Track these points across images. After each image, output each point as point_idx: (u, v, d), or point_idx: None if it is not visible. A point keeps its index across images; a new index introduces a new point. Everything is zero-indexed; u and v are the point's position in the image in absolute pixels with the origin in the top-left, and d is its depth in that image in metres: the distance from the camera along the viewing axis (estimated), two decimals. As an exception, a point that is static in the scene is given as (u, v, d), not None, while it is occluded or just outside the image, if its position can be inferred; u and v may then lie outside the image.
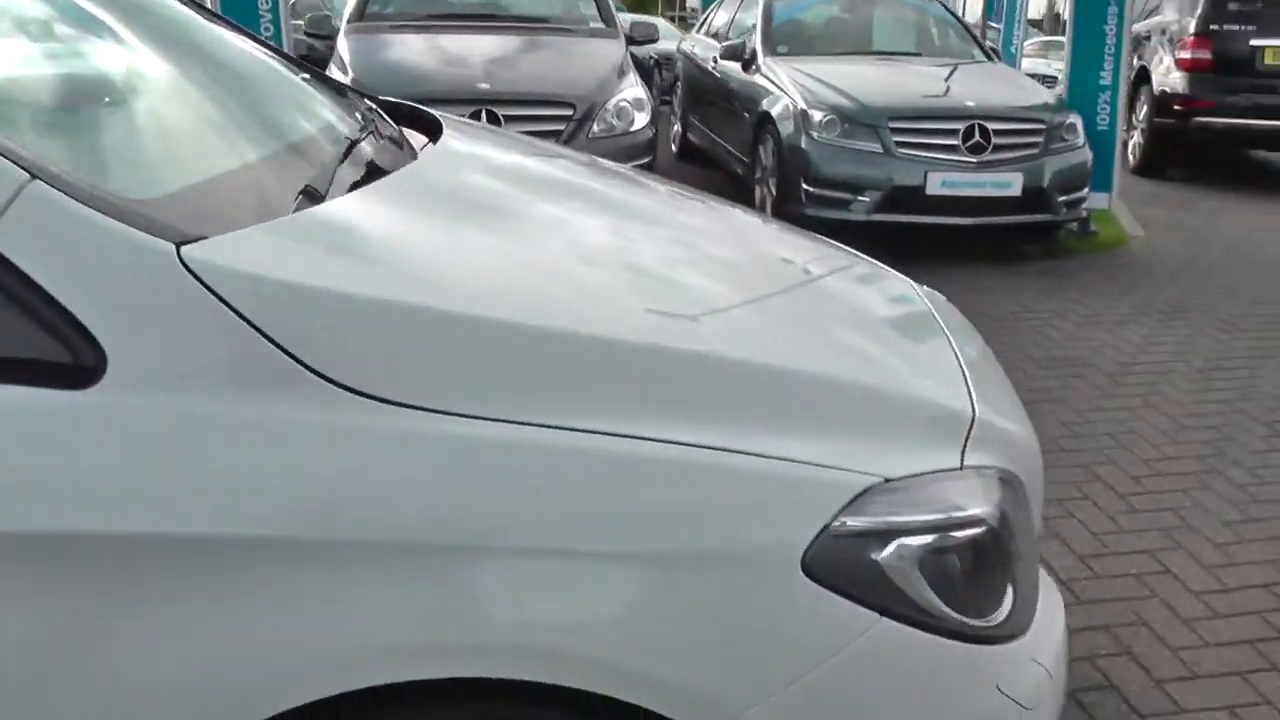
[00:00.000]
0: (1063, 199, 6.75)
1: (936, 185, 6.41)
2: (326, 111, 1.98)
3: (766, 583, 1.29)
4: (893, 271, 2.24)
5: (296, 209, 1.44)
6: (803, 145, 6.57)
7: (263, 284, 1.21)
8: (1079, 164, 6.87)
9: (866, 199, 6.44)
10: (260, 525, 1.17)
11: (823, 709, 1.33)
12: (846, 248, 2.31)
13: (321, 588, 1.18)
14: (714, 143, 8.46)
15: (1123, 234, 7.57)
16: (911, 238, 6.43)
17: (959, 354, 1.81)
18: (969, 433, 1.54)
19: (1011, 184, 6.52)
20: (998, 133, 6.55)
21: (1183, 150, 9.88)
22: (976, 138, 6.48)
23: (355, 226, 1.49)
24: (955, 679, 1.41)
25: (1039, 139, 6.69)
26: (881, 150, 6.47)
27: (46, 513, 1.14)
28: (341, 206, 1.52)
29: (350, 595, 1.19)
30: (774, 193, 6.81)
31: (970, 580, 1.43)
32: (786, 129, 6.69)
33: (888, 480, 1.37)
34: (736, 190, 7.29)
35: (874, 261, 2.27)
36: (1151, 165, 9.91)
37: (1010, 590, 1.48)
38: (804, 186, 6.52)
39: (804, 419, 1.40)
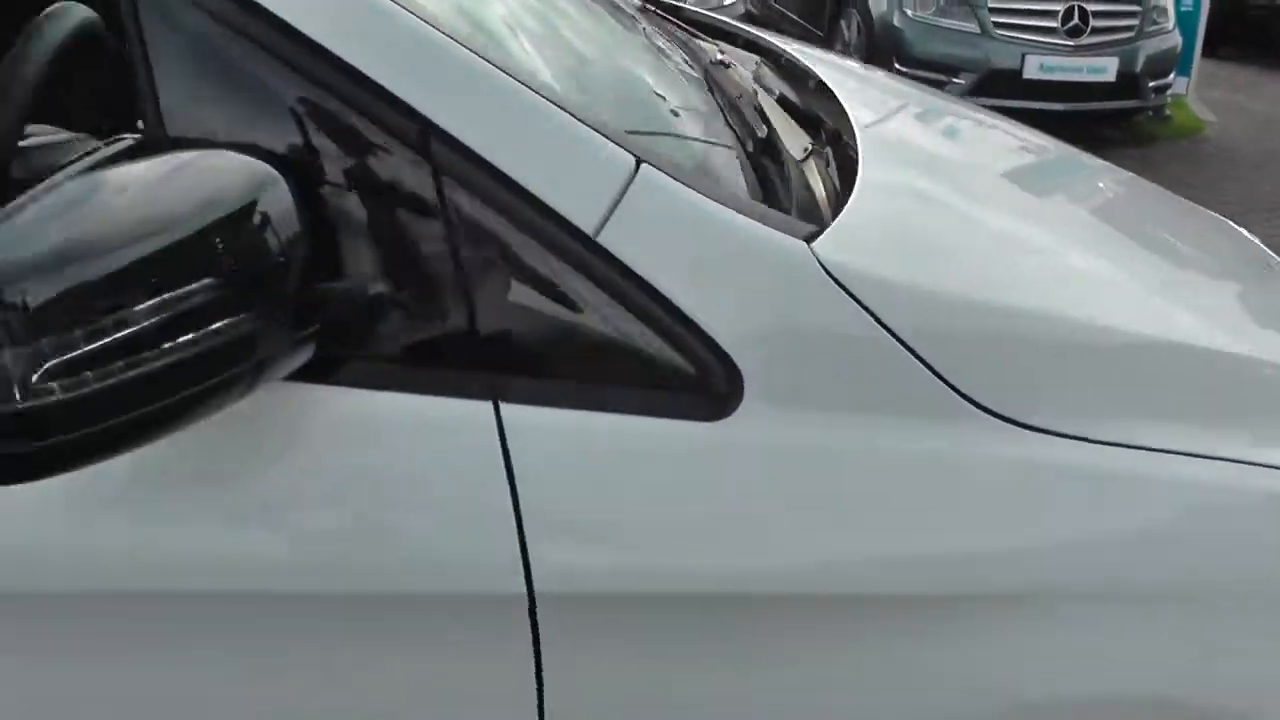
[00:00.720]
0: (1152, 84, 6.62)
1: (1034, 69, 6.24)
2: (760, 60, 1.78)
3: None
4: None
5: (841, 190, 1.27)
6: (896, 23, 6.35)
7: (905, 291, 1.04)
8: (1170, 48, 6.72)
9: (962, 81, 6.25)
10: (899, 579, 1.02)
11: None
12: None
13: (963, 639, 1.04)
14: (778, 12, 8.16)
15: (1195, 119, 7.44)
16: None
17: None
18: None
19: (1107, 68, 6.37)
20: (1096, 14, 6.35)
21: (1239, 29, 9.66)
22: (1075, 20, 6.29)
23: (921, 213, 1.32)
24: None
25: (1135, 21, 6.51)
26: (979, 30, 6.27)
27: (670, 566, 0.98)
28: (883, 185, 1.31)
29: (1002, 644, 1.05)
30: (858, 71, 6.60)
31: None
32: (879, 4, 6.46)
33: None
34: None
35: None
36: (1206, 44, 9.69)
37: None
38: (896, 66, 6.30)
39: None
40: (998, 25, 6.28)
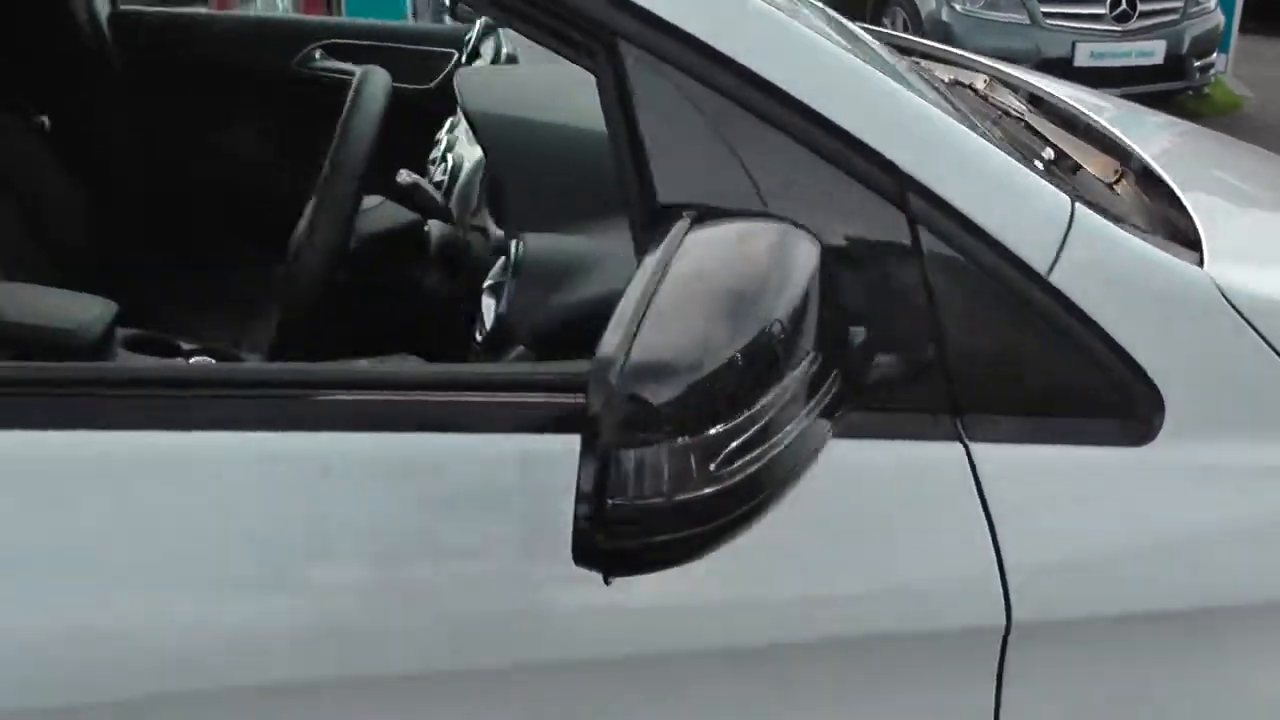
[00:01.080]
0: (1198, 64, 6.69)
1: (1085, 56, 6.30)
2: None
3: None
4: None
5: (1156, 209, 1.31)
6: (945, 17, 6.42)
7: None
8: (1213, 27, 6.80)
9: (1014, 73, 6.30)
10: None
11: None
12: None
13: None
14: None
15: (1233, 95, 7.49)
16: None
17: None
18: None
19: (1154, 52, 6.44)
20: (1144, -1, 6.42)
21: (1261, 3, 9.70)
22: (1123, 5, 6.35)
23: (1258, 230, 1.37)
24: None
25: (1179, 3, 6.58)
26: (1029, 21, 6.33)
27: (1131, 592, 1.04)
28: (1208, 202, 1.35)
29: None
30: (906, 67, 6.65)
31: None
32: (927, 1, 6.51)
33: None
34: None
35: None
36: (1231, 17, 9.76)
37: None
38: (947, 61, 6.37)
39: None
40: (1047, 15, 6.34)
